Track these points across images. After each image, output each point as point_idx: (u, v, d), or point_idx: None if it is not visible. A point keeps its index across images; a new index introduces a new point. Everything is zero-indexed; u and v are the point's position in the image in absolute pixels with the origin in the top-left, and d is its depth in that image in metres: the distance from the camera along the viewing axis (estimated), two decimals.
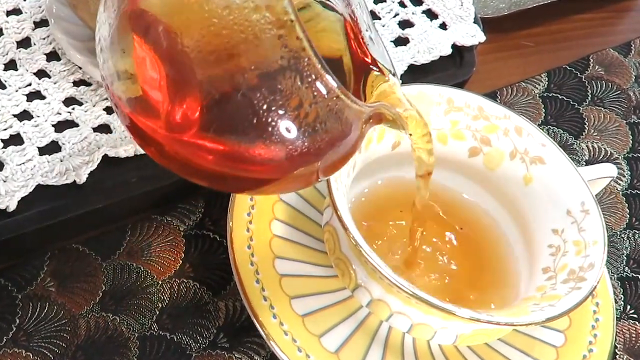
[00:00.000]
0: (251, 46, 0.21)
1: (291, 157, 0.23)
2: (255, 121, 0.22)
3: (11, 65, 0.39)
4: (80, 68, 0.39)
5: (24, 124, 0.37)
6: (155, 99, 0.23)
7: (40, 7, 0.42)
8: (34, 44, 0.40)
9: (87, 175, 0.35)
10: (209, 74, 0.22)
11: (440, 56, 0.44)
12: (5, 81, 0.38)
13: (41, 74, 0.39)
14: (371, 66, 0.27)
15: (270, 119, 0.22)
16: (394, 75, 0.27)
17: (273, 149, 0.23)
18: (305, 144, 0.23)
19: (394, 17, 0.47)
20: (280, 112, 0.22)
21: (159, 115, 0.23)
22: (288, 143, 0.23)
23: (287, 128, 0.22)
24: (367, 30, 0.27)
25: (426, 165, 0.29)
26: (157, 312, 0.34)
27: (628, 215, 0.42)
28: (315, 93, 0.22)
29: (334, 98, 0.23)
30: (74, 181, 0.35)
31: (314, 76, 0.22)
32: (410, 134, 0.27)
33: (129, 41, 0.23)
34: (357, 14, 0.27)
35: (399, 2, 0.47)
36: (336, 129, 0.24)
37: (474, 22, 0.46)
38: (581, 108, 0.48)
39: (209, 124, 0.23)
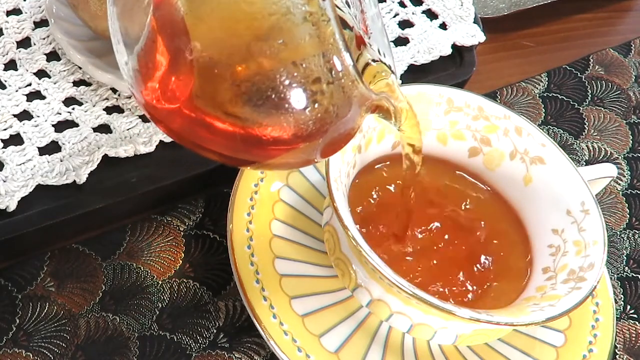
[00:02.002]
0: (281, 20, 0.22)
1: (300, 134, 0.24)
2: (273, 95, 0.23)
3: (11, 65, 0.39)
4: (80, 68, 0.39)
5: (24, 124, 0.37)
6: (176, 69, 0.23)
7: (40, 7, 0.42)
8: (34, 44, 0.40)
9: (87, 175, 0.35)
10: (232, 44, 0.23)
11: (440, 56, 0.44)
12: (5, 81, 0.38)
13: (41, 74, 0.39)
14: (372, 61, 0.27)
15: (288, 94, 0.23)
16: (392, 72, 0.27)
17: (285, 123, 0.23)
18: (316, 122, 0.24)
19: (394, 17, 0.47)
20: (299, 88, 0.23)
21: (178, 86, 0.23)
22: (300, 119, 0.23)
23: (302, 103, 0.23)
24: (373, 22, 0.28)
25: (414, 165, 0.30)
26: (157, 312, 0.34)
27: (628, 215, 0.42)
28: (334, 73, 0.23)
29: (350, 82, 0.23)
30: (74, 181, 0.35)
31: (335, 57, 0.22)
32: (401, 129, 0.28)
33: (148, 8, 0.23)
34: (365, 8, 0.27)
35: (399, 2, 0.47)
36: (343, 111, 0.24)
37: (474, 22, 0.46)
38: (581, 108, 0.48)
39: (231, 95, 0.23)
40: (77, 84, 0.39)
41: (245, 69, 0.23)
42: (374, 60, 0.27)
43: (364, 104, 0.25)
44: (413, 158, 0.30)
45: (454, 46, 0.45)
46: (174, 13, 0.23)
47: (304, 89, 0.23)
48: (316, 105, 0.23)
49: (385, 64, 0.27)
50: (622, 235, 0.41)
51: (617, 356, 0.36)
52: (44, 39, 0.41)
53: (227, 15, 0.22)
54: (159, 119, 0.25)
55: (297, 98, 0.23)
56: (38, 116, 0.37)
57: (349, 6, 0.27)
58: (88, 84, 0.39)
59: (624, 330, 0.37)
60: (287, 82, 0.22)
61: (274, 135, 0.24)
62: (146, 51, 0.24)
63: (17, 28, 0.41)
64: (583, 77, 0.50)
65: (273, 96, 0.23)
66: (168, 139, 0.37)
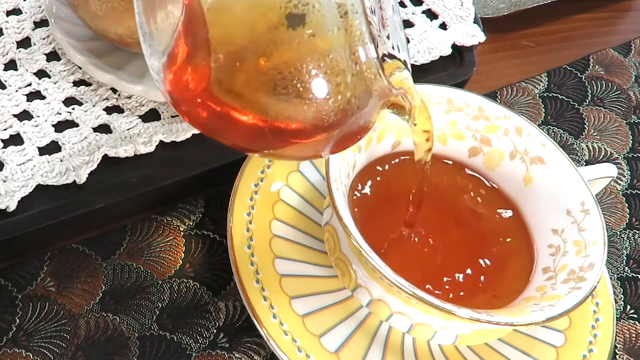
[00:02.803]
0: (311, 11, 0.22)
1: (320, 124, 0.24)
2: (298, 84, 0.23)
3: (11, 65, 0.39)
4: (80, 68, 0.39)
5: (24, 124, 0.37)
6: (200, 60, 0.24)
7: (40, 7, 0.42)
8: (34, 44, 0.40)
9: (87, 175, 0.35)
10: (260, 33, 0.23)
11: (440, 56, 0.44)
12: (5, 81, 0.38)
13: (41, 74, 0.39)
14: (387, 56, 0.27)
15: (313, 84, 0.23)
16: (407, 68, 0.28)
17: (307, 113, 0.24)
18: (337, 114, 0.24)
19: None
20: (324, 79, 0.23)
21: (200, 76, 0.24)
22: (322, 110, 0.24)
23: (326, 94, 0.23)
24: (390, 17, 0.28)
25: (426, 153, 0.30)
26: (157, 312, 0.34)
27: (628, 215, 0.42)
28: (359, 66, 0.23)
29: (373, 75, 0.23)
30: (74, 181, 0.35)
31: (361, 49, 0.23)
32: (415, 124, 0.28)
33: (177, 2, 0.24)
34: (383, 3, 0.27)
35: (399, 2, 0.47)
36: (364, 104, 0.25)
37: (474, 22, 0.46)
38: (581, 108, 0.48)
39: (255, 83, 0.24)
40: (77, 84, 0.39)
41: (271, 58, 0.23)
42: (390, 56, 0.27)
43: (383, 99, 0.25)
44: (425, 147, 0.30)
45: (454, 46, 0.45)
46: (200, 4, 0.23)
47: (329, 80, 0.23)
48: (339, 97, 0.24)
49: (400, 59, 0.27)
50: (622, 235, 0.41)
51: (617, 356, 0.36)
52: (44, 39, 0.41)
53: (256, 3, 0.23)
54: (183, 109, 0.26)
55: (322, 88, 0.23)
56: (38, 116, 0.37)
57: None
58: (88, 84, 0.39)
59: (624, 330, 0.37)
60: (313, 72, 0.23)
61: (293, 125, 0.24)
62: (173, 43, 0.24)
63: (17, 28, 0.41)
64: (583, 77, 0.50)
65: (298, 85, 0.23)
66: (168, 139, 0.37)
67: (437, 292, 0.31)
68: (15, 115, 0.37)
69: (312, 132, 0.25)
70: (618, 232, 0.41)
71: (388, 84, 0.24)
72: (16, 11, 0.42)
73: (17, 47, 0.40)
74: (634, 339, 0.37)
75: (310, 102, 0.23)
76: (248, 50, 0.23)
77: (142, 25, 0.25)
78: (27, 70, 0.39)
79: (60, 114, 0.38)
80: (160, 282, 0.35)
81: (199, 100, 0.24)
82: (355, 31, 0.23)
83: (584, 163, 0.45)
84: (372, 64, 0.23)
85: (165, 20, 0.24)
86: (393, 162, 0.34)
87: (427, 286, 0.31)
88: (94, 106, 0.38)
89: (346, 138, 0.26)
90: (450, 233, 0.33)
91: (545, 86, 0.48)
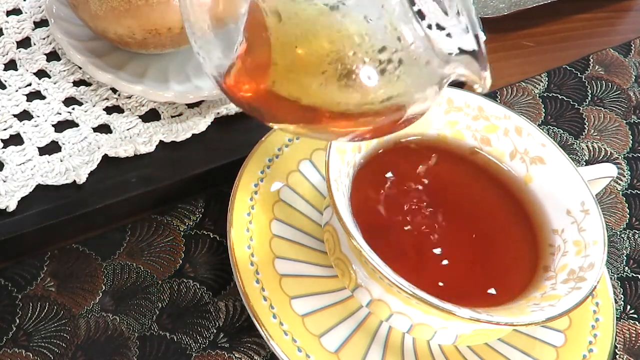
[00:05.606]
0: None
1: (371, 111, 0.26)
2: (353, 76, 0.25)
3: (11, 65, 0.39)
4: (80, 68, 0.39)
5: (24, 124, 0.37)
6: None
7: (40, 7, 0.42)
8: (34, 44, 0.40)
9: (87, 175, 0.35)
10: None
11: None
12: (5, 81, 0.38)
13: (41, 74, 0.39)
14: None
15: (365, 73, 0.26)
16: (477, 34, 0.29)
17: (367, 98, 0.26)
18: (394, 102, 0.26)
19: None
20: (374, 68, 0.25)
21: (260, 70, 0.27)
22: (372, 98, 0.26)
23: (376, 81, 0.26)
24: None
25: None
26: (157, 312, 0.34)
27: (628, 215, 0.42)
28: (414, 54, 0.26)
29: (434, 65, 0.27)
30: (74, 181, 0.35)
31: (408, 31, 0.25)
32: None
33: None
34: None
35: None
36: (419, 87, 0.27)
37: None
38: (581, 108, 0.48)
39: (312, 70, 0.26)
40: (77, 84, 0.39)
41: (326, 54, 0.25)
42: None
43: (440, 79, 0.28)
44: None
45: None
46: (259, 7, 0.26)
47: (380, 69, 0.25)
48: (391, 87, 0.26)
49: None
50: (622, 235, 0.41)
51: (617, 356, 0.36)
52: (44, 39, 0.41)
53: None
54: (237, 96, 0.28)
55: (372, 77, 0.25)
56: (38, 116, 0.37)
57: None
58: (88, 84, 0.39)
59: (624, 330, 0.37)
60: (363, 64, 0.25)
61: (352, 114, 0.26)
62: (239, 42, 0.27)
63: (17, 28, 0.41)
64: (583, 77, 0.50)
65: (352, 77, 0.25)
66: (168, 139, 0.37)
67: (437, 291, 0.31)
68: (15, 115, 0.37)
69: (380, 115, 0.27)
70: (618, 232, 0.41)
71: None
72: (16, 11, 0.42)
73: (17, 47, 0.40)
74: (634, 339, 0.37)
75: (367, 90, 0.26)
76: (301, 39, 0.25)
77: (202, 22, 0.27)
78: (27, 70, 0.39)
79: (60, 114, 0.38)
80: (160, 282, 0.35)
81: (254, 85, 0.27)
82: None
83: (584, 163, 0.45)
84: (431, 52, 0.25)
85: (228, 20, 0.27)
86: (393, 161, 0.35)
87: (428, 285, 0.31)
88: (94, 106, 0.38)
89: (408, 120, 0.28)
90: (451, 232, 0.33)
91: (545, 86, 0.48)
